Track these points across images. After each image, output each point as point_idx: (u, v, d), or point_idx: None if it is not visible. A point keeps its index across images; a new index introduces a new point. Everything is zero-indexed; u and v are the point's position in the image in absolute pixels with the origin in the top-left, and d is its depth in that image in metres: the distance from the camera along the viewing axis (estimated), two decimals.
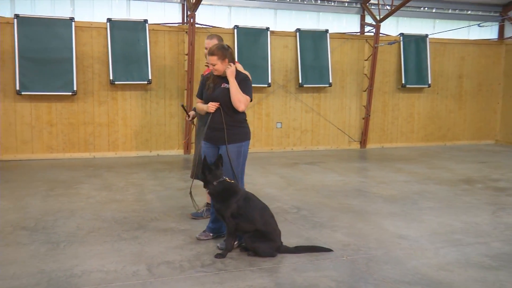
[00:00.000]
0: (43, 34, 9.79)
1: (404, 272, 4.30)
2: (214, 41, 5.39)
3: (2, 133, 9.89)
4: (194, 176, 5.67)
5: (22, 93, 9.72)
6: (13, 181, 7.97)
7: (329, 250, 4.79)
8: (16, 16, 9.65)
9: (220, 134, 4.83)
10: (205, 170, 4.71)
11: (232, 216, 4.58)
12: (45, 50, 9.78)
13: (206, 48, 5.43)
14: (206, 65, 5.47)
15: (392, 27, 13.10)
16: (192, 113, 6.04)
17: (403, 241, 5.16)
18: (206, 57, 5.39)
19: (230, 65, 4.82)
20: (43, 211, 6.16)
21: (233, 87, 4.78)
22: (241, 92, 4.81)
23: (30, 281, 4.02)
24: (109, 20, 10.23)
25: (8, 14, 10.12)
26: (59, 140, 10.23)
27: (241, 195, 4.67)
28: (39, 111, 10.06)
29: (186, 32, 10.76)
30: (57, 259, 4.51)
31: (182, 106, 6.41)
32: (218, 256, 4.59)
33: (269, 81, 11.33)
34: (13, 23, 9.62)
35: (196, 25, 10.68)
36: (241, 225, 4.61)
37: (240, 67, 5.26)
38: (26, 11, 10.26)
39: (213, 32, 10.91)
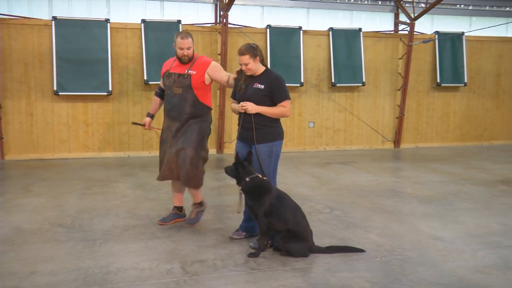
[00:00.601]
0: (79, 36, 9.99)
1: (439, 274, 4.22)
2: (190, 40, 5.13)
3: (40, 133, 10.14)
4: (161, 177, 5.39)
5: (59, 93, 9.95)
6: (51, 179, 8.16)
7: (361, 250, 4.75)
8: (54, 18, 9.87)
9: (252, 133, 4.84)
10: (238, 167, 4.71)
11: (265, 214, 4.58)
12: (81, 51, 9.98)
13: (181, 49, 5.11)
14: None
15: (427, 25, 12.90)
16: (147, 119, 5.58)
17: (439, 242, 5.07)
18: (179, 56, 5.17)
19: (246, 106, 4.78)
20: (80, 209, 6.29)
21: (268, 112, 4.83)
22: (277, 107, 4.85)
23: (67, 277, 4.11)
24: (143, 21, 10.36)
25: (46, 16, 10.38)
26: (94, 139, 10.42)
27: (274, 193, 4.67)
28: (76, 111, 10.27)
29: (219, 32, 10.81)
30: (93, 256, 4.60)
31: (134, 123, 6.01)
32: (251, 255, 4.60)
33: (302, 81, 11.29)
34: (51, 25, 9.85)
35: (229, 25, 10.72)
36: (273, 224, 4.60)
37: (218, 66, 5.31)
38: (63, 13, 10.51)
39: (246, 31, 10.96)
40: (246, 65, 4.81)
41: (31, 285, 3.94)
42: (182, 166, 5.16)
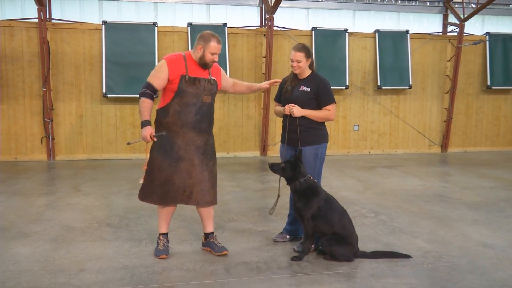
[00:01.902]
0: (128, 39, 10.22)
1: (490, 283, 4.09)
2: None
3: (89, 134, 10.43)
4: (146, 198, 4.73)
5: (108, 95, 10.20)
6: (99, 179, 8.38)
7: (408, 256, 4.65)
8: (104, 22, 10.14)
9: (297, 136, 4.82)
10: (295, 167, 4.64)
11: (312, 217, 4.56)
12: (129, 55, 10.21)
13: (213, 54, 4.49)
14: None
15: (477, 26, 12.55)
16: (150, 129, 4.53)
17: (489, 250, 4.91)
18: (208, 61, 4.53)
19: (292, 109, 4.76)
20: (126, 209, 6.42)
21: (313, 115, 4.81)
22: (322, 111, 4.84)
23: (114, 275, 4.20)
24: (189, 24, 10.51)
25: (96, 20, 10.67)
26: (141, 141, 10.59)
27: (323, 196, 4.65)
28: (123, 112, 10.51)
29: (264, 35, 10.85)
30: (139, 255, 4.68)
31: (130, 143, 5.05)
32: (294, 258, 4.58)
33: (347, 83, 11.19)
34: (101, 29, 10.12)
35: (274, 28, 10.73)
36: (319, 226, 4.57)
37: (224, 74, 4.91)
38: (113, 17, 10.78)
39: (291, 34, 10.95)
40: (299, 62, 4.78)
41: (80, 282, 4.05)
42: (214, 184, 4.75)
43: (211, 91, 4.62)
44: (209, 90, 4.59)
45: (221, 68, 4.87)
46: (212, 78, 4.64)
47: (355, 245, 4.64)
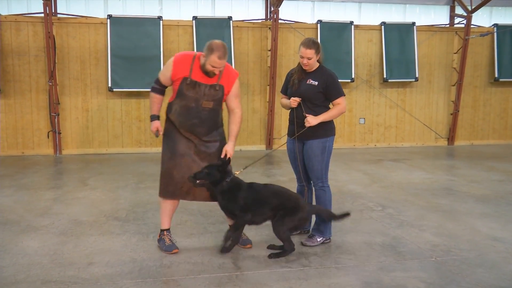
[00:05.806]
0: (133, 33, 10.20)
1: (500, 277, 4.07)
2: (225, 60, 4.38)
3: (95, 128, 10.44)
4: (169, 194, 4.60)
5: (114, 89, 10.19)
6: (106, 173, 8.39)
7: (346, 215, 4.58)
8: (109, 16, 10.13)
9: (304, 129, 4.80)
10: (225, 167, 4.44)
11: (243, 210, 4.44)
12: (135, 49, 10.19)
13: (214, 67, 4.30)
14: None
15: (485, 18, 12.46)
16: (158, 124, 4.61)
17: (498, 243, 4.89)
18: (208, 71, 4.37)
19: (308, 119, 4.70)
20: (134, 202, 6.43)
21: (328, 117, 4.76)
22: (334, 108, 4.79)
23: (123, 269, 4.21)
24: (195, 18, 10.48)
25: (101, 15, 10.66)
26: (147, 135, 10.63)
27: (244, 186, 4.54)
28: (129, 107, 10.51)
29: (269, 28, 10.80)
30: (147, 249, 4.69)
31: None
32: (224, 250, 4.56)
33: (353, 76, 11.14)
34: (107, 23, 10.11)
35: (280, 21, 10.69)
36: (257, 212, 4.47)
37: (239, 88, 4.72)
38: (118, 11, 10.76)
39: (296, 27, 10.90)
40: (309, 59, 4.70)
41: (89, 275, 4.06)
42: None
43: (214, 96, 4.47)
44: (211, 96, 4.46)
45: (237, 80, 4.62)
46: (220, 84, 4.47)
47: (305, 209, 4.52)
